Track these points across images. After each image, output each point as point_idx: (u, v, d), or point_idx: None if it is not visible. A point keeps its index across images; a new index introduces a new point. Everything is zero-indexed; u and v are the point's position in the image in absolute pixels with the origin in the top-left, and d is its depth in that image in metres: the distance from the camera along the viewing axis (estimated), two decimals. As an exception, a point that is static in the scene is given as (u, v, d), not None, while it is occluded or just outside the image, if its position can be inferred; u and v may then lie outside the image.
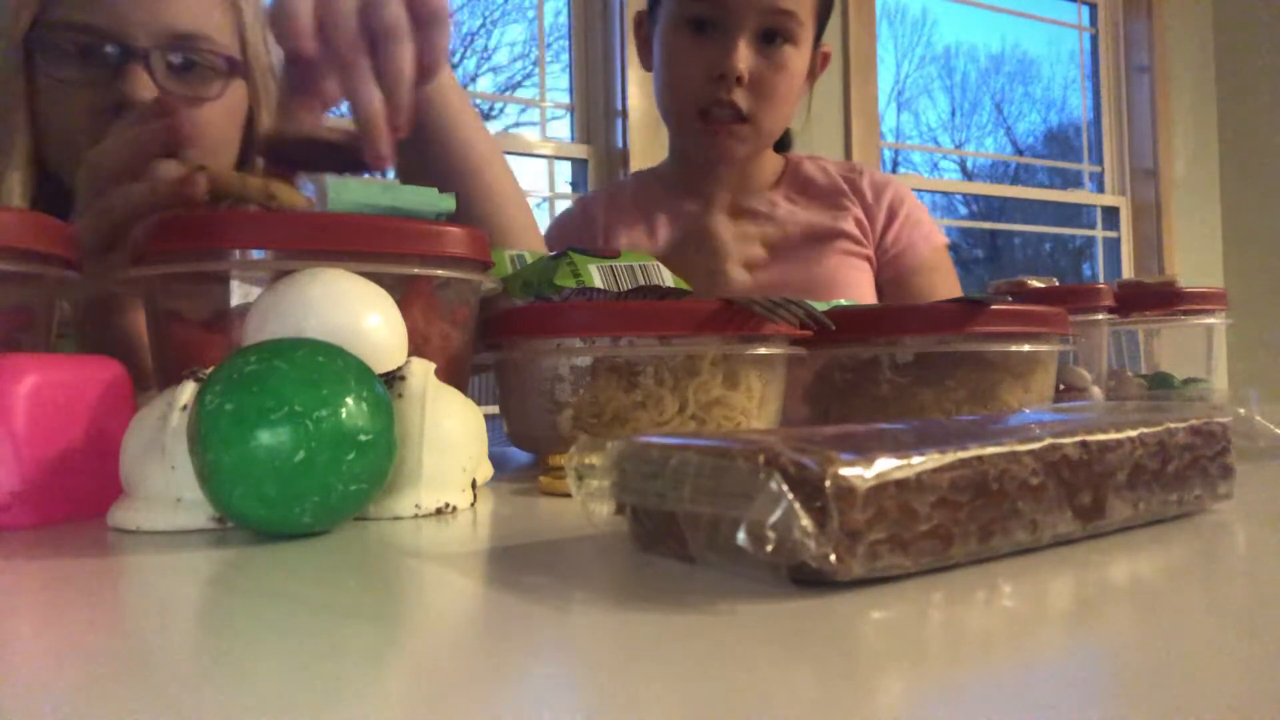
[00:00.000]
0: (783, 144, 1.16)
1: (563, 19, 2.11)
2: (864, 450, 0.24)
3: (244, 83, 0.77)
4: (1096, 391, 0.65)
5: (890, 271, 1.11)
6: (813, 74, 1.07)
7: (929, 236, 1.14)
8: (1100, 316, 0.67)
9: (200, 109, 0.72)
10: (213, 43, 0.73)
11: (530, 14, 2.16)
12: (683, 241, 1.08)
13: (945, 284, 1.13)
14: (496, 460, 0.54)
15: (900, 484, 0.23)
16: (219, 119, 0.75)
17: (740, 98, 0.98)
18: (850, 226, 1.09)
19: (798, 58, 1.01)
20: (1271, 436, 0.37)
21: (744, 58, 0.97)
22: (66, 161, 0.70)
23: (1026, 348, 0.56)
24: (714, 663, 0.18)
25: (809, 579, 0.23)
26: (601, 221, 1.13)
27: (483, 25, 2.22)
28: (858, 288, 1.06)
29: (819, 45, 1.06)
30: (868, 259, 1.10)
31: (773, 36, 0.98)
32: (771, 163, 1.14)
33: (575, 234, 1.13)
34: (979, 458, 0.25)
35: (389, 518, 0.35)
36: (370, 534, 0.33)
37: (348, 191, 0.46)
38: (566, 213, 1.20)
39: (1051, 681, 0.17)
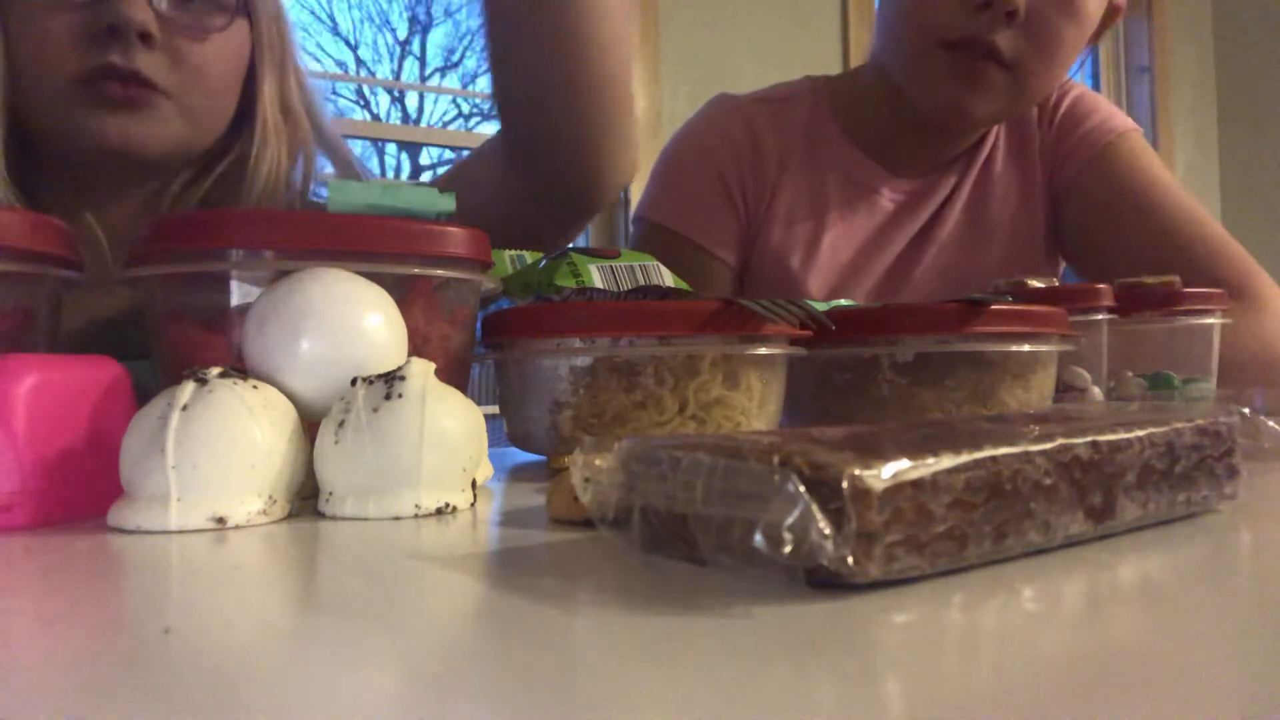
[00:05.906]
0: None
1: (563, 19, 2.10)
2: (877, 451, 0.24)
3: (248, 25, 0.68)
4: (1096, 391, 0.65)
5: (1075, 204, 0.83)
6: (1102, 25, 0.80)
7: (1107, 121, 0.85)
8: (1100, 316, 0.66)
9: (202, 42, 0.64)
10: None
11: (530, 14, 2.15)
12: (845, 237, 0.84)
13: (1156, 176, 0.82)
14: (496, 460, 0.54)
15: (916, 485, 0.23)
16: (221, 59, 0.66)
17: (1006, 40, 0.73)
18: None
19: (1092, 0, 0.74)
20: (1276, 437, 0.37)
21: None
22: (41, 97, 0.61)
23: (1026, 348, 0.56)
24: (731, 665, 0.18)
25: (825, 581, 0.23)
26: (774, 155, 0.85)
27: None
28: None
29: None
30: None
31: None
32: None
33: (733, 160, 0.85)
34: (993, 458, 0.25)
35: (389, 518, 0.35)
36: (370, 534, 0.33)
37: (348, 192, 0.46)
38: (711, 124, 0.88)
39: (1070, 684, 0.17)
